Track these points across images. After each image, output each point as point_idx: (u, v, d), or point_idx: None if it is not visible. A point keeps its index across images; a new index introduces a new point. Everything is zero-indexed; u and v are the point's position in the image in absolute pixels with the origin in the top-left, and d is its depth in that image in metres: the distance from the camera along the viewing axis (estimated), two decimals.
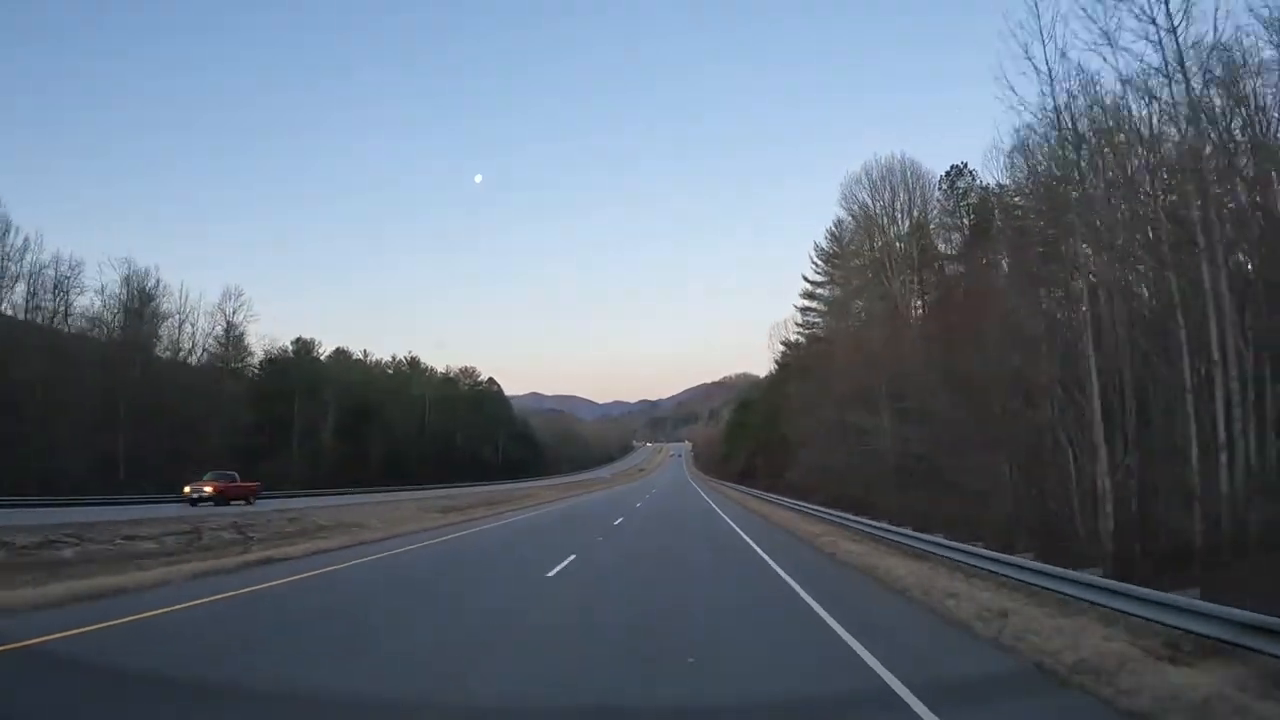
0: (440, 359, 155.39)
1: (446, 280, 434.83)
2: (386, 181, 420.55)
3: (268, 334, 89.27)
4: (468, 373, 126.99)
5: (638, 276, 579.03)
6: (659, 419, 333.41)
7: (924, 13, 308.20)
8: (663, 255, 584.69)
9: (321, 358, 78.24)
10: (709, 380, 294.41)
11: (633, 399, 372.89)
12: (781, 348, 63.84)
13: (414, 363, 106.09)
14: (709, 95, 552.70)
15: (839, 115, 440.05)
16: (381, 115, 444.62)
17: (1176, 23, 12.96)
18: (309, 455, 53.65)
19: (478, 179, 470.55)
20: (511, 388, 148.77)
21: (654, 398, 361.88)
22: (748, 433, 73.23)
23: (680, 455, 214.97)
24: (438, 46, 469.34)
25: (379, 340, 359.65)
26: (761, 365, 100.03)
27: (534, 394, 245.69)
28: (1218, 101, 13.84)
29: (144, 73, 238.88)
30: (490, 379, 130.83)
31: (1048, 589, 8.14)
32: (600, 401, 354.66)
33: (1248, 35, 13.25)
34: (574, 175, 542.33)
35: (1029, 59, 14.84)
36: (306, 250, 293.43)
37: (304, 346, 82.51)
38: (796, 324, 61.98)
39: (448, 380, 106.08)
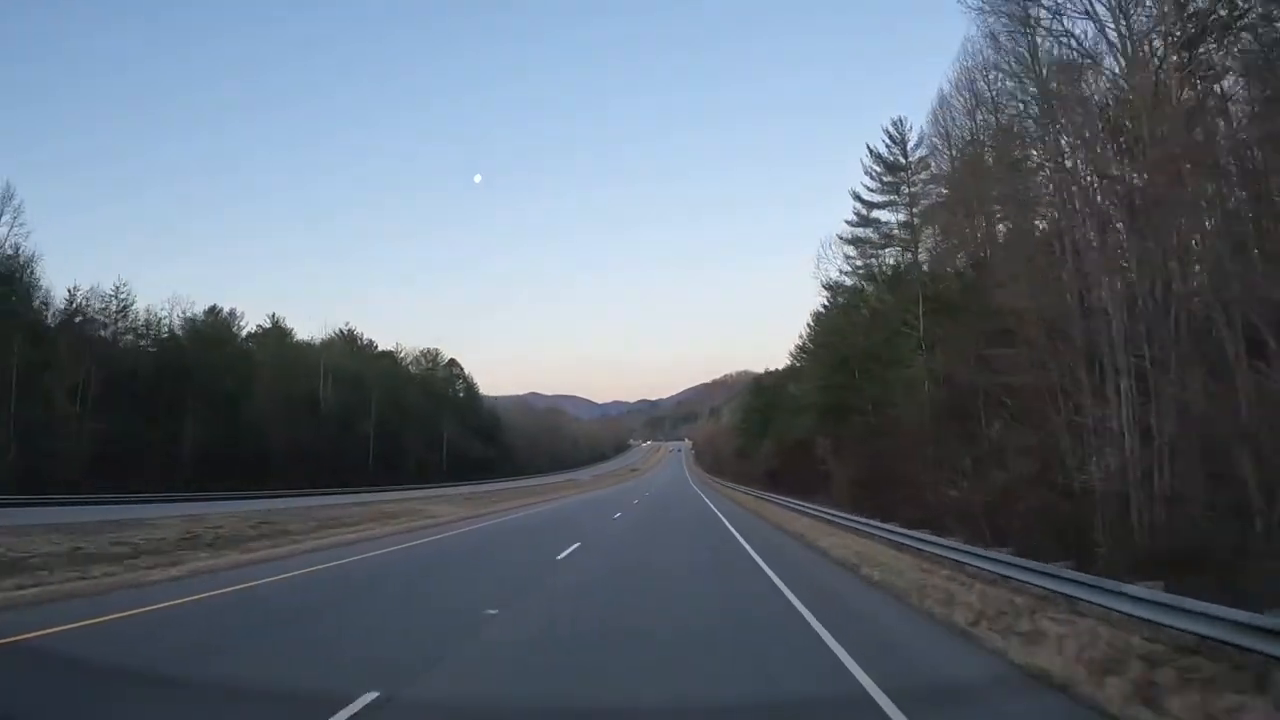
0: (388, 336, 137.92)
1: (446, 280, 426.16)
2: (387, 182, 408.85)
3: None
4: (429, 355, 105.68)
5: (637, 278, 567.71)
6: (658, 418, 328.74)
7: None
8: (661, 257, 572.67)
9: (237, 330, 57.84)
10: (707, 380, 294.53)
11: (632, 399, 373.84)
12: (825, 293, 42.33)
13: (350, 337, 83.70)
14: (709, 92, 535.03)
15: (844, 99, 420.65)
16: (383, 120, 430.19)
17: None
18: (23, 440, 30.23)
19: (477, 179, 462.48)
20: (511, 387, 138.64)
21: (653, 398, 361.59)
22: (784, 420, 49.75)
23: (680, 452, 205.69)
24: (436, 47, 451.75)
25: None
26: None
27: (533, 393, 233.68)
28: None
29: (140, 74, 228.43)
30: (451, 360, 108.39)
31: None
32: (599, 401, 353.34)
33: None
34: (573, 179, 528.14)
35: None
36: (308, 250, 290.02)
37: (219, 318, 60.24)
38: (847, 256, 41.12)
39: (381, 356, 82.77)
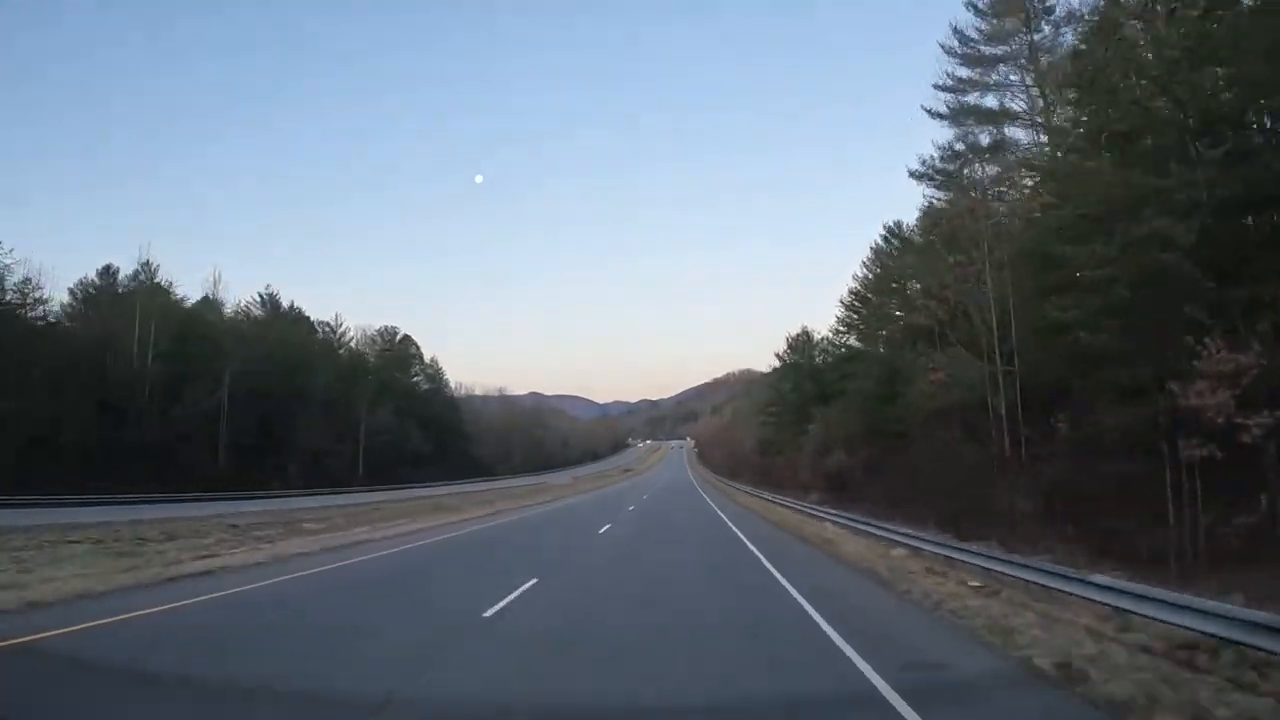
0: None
1: (446, 280, 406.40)
2: (387, 182, 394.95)
3: None
4: (385, 334, 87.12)
5: (638, 278, 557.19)
6: (659, 418, 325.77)
7: None
8: (662, 256, 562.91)
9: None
10: (708, 380, 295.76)
11: (633, 399, 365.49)
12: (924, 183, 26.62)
13: (272, 302, 64.81)
14: (709, 92, 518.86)
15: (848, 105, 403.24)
16: (383, 121, 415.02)
17: None
18: None
19: (478, 179, 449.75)
20: (512, 387, 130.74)
21: (654, 398, 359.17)
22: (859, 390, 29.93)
23: (681, 449, 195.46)
24: (432, 46, 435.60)
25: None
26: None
27: (534, 393, 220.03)
28: None
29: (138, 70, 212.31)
30: (405, 338, 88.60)
31: None
32: (600, 402, 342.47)
33: None
34: (575, 180, 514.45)
35: None
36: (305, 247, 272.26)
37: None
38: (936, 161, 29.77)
39: (297, 323, 62.92)
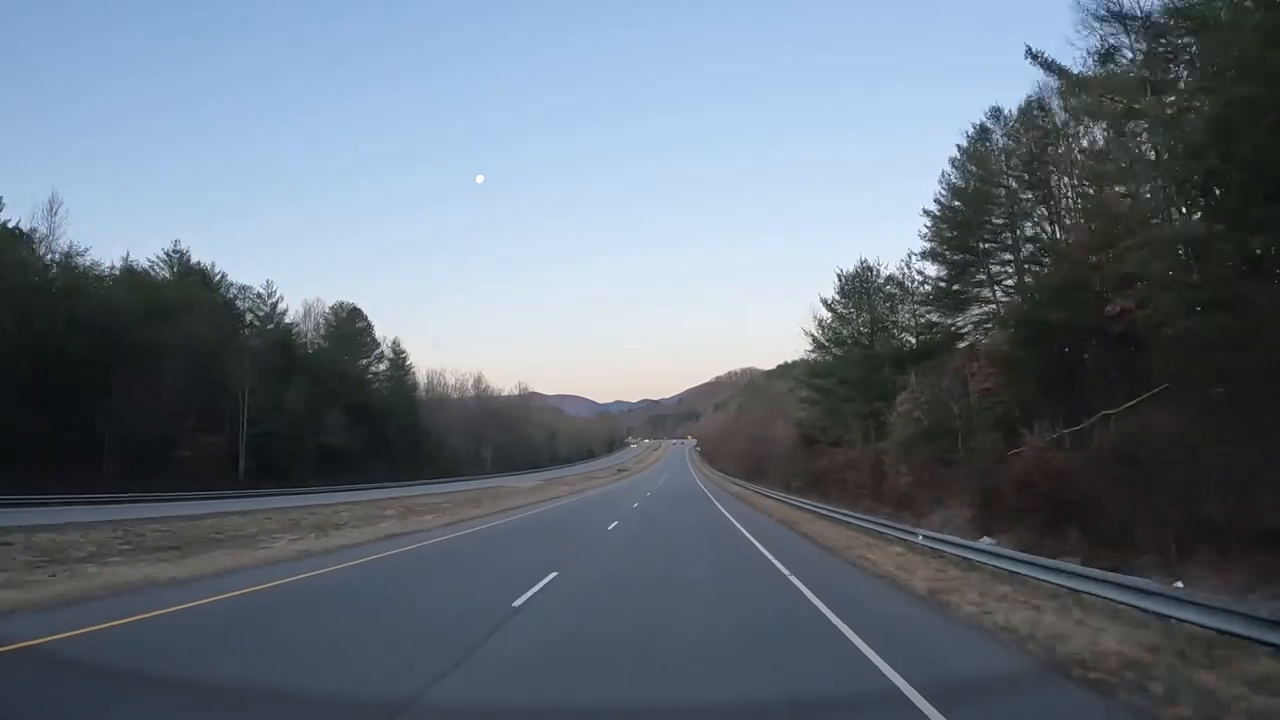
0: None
1: (445, 280, 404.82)
2: (388, 180, 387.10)
3: None
4: (340, 310, 73.76)
5: (639, 278, 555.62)
6: (660, 416, 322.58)
7: None
8: (662, 256, 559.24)
9: None
10: (709, 379, 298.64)
11: (634, 398, 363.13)
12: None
13: (181, 261, 50.97)
14: (711, 89, 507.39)
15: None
16: (385, 120, 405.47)
17: None
18: None
19: (479, 179, 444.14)
20: (511, 386, 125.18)
21: (656, 396, 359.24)
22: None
23: (683, 447, 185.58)
24: (434, 43, 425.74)
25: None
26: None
27: (533, 393, 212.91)
28: None
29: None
30: (354, 311, 73.62)
31: None
32: (601, 401, 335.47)
33: None
34: (576, 180, 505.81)
35: None
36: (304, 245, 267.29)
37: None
38: None
39: (187, 278, 47.68)
